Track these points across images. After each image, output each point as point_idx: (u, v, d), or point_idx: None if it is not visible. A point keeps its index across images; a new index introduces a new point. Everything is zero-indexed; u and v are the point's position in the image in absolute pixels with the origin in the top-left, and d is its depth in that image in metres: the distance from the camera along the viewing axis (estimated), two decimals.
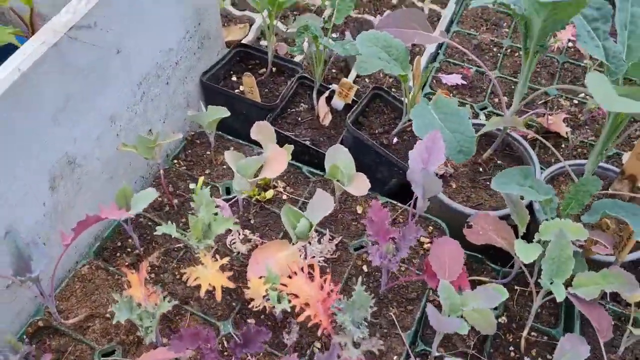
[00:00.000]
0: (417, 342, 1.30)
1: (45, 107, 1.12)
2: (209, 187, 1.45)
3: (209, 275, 1.12)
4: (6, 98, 1.01)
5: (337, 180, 1.35)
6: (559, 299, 1.13)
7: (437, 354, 1.22)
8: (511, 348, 1.32)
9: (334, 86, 1.73)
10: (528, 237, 1.26)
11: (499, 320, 1.36)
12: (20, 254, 1.08)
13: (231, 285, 1.14)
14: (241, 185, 1.27)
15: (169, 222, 1.16)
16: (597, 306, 1.16)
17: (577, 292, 1.16)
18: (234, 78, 1.75)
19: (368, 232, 1.22)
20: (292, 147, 1.39)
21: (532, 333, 1.34)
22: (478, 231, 1.28)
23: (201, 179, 1.44)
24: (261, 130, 1.39)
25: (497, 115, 1.78)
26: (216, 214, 1.16)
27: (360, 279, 1.16)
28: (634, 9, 1.24)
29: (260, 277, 1.16)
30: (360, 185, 1.32)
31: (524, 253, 1.17)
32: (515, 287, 1.41)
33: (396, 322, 1.29)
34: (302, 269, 1.13)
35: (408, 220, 1.42)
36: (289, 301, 1.13)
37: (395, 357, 1.23)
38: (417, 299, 1.33)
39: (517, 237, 1.27)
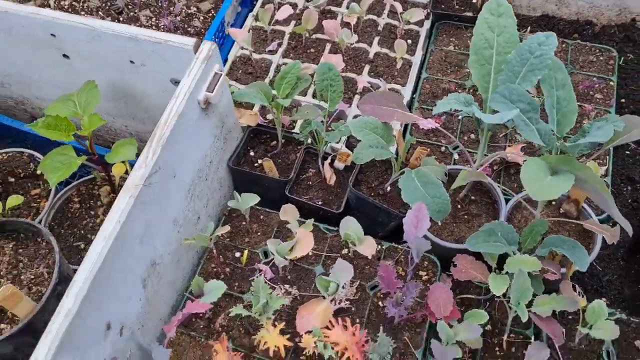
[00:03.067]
0: (427, 356, 1.75)
1: (135, 236, 1.53)
2: (251, 253, 1.89)
3: (273, 338, 1.56)
4: (115, 243, 1.42)
5: (351, 242, 1.77)
6: (524, 319, 1.56)
7: None
8: (496, 348, 1.77)
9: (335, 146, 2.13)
10: (500, 265, 1.70)
11: (485, 327, 1.80)
12: (143, 348, 1.50)
13: (290, 344, 1.58)
14: (280, 262, 1.70)
15: (238, 304, 1.59)
16: (551, 320, 1.60)
17: (536, 310, 1.60)
18: (251, 153, 2.15)
19: (380, 285, 1.65)
20: (312, 220, 1.80)
21: (511, 335, 1.79)
22: (461, 269, 1.71)
23: (246, 252, 1.87)
24: (287, 212, 1.81)
25: (469, 151, 2.20)
26: (270, 293, 1.59)
27: (381, 328, 1.60)
28: (558, 92, 1.64)
29: (308, 332, 1.60)
30: (367, 247, 1.74)
31: (496, 287, 1.60)
32: (496, 299, 1.86)
33: (409, 343, 1.73)
34: (337, 321, 1.57)
35: (408, 259, 1.85)
36: (332, 348, 1.57)
37: None
38: (422, 322, 1.77)
39: (490, 269, 1.71)
